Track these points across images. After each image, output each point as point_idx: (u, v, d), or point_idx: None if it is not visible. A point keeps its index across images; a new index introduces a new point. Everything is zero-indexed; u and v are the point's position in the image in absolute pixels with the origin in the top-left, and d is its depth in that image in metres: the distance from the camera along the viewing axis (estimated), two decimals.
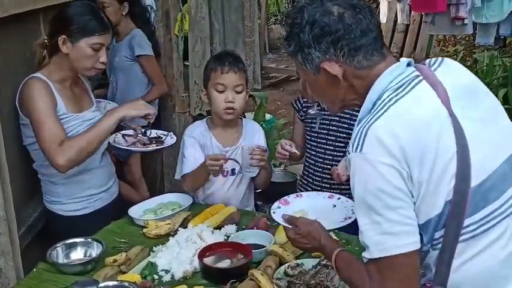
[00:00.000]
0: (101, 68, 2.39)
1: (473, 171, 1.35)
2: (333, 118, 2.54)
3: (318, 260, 1.95)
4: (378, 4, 8.36)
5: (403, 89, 1.40)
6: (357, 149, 1.36)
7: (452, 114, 1.36)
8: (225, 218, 2.32)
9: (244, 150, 2.41)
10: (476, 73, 5.64)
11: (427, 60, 1.53)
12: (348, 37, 1.43)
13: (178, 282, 1.93)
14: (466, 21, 4.31)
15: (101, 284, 1.80)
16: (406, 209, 1.34)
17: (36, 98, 2.22)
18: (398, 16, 7.79)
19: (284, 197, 1.97)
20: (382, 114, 1.36)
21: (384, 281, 1.37)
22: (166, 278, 1.96)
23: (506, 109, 5.04)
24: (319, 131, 2.60)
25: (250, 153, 2.38)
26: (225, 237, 2.20)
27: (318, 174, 2.66)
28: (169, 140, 2.57)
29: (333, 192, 2.53)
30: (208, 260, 2.00)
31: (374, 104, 1.42)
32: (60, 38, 2.25)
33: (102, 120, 2.30)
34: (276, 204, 1.93)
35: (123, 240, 2.23)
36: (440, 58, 1.53)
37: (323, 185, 2.63)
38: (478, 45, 5.17)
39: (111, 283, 1.83)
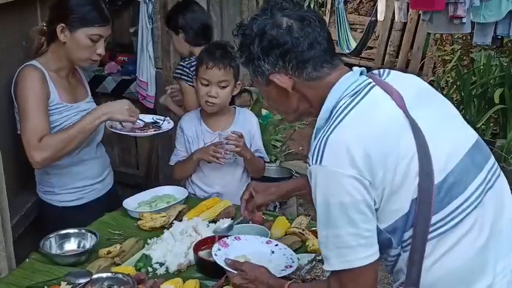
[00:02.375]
0: (97, 60, 2.37)
1: (435, 167, 1.36)
2: None
3: (313, 255, 1.95)
4: (376, 2, 8.36)
5: (358, 95, 1.42)
6: (316, 161, 1.35)
7: (408, 116, 1.38)
8: (220, 212, 2.31)
9: (222, 135, 2.47)
10: (473, 73, 5.67)
11: (376, 71, 1.55)
12: (295, 50, 1.44)
13: (173, 275, 1.92)
14: (464, 20, 4.29)
15: (95, 276, 1.79)
16: (367, 222, 1.35)
17: (28, 88, 2.19)
18: (395, 14, 7.78)
19: (223, 239, 1.97)
20: (339, 123, 1.37)
21: None
22: (161, 270, 1.95)
23: (503, 109, 5.03)
24: None
25: (225, 139, 2.43)
26: None
27: None
28: (167, 124, 2.56)
29: None
30: (203, 254, 1.99)
31: (331, 113, 1.43)
32: (58, 26, 2.22)
33: (85, 120, 2.24)
34: (216, 246, 1.91)
35: (117, 232, 2.21)
36: (387, 69, 1.56)
37: None
38: (475, 44, 5.16)
39: (104, 275, 1.82)
